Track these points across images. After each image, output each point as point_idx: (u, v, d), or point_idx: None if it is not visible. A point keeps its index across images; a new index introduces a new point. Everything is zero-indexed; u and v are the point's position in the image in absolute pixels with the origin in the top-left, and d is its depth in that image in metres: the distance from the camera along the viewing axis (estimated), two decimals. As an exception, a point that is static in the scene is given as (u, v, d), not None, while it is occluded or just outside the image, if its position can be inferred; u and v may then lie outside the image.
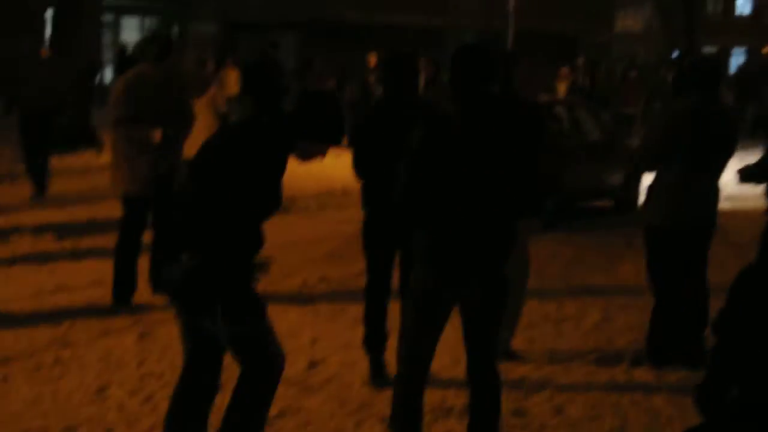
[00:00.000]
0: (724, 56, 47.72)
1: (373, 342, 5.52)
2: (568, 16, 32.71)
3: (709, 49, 45.95)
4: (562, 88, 20.45)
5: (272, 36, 29.91)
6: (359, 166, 5.34)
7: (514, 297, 5.31)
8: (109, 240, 7.34)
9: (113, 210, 7.21)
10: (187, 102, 7.14)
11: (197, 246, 3.78)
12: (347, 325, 6.52)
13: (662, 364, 5.78)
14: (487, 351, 4.17)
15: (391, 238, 5.28)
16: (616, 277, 8.48)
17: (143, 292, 6.82)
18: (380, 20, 28.93)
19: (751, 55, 49.52)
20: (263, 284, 4.01)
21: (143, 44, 6.84)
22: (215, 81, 10.34)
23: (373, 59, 18.36)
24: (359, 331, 5.63)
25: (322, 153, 4.10)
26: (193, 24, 34.87)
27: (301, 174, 13.25)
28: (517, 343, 6.06)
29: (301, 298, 7.34)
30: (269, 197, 3.88)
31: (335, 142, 4.02)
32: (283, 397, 4.84)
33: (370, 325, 5.51)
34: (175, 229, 3.90)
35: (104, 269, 7.13)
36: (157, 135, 6.58)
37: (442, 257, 4.00)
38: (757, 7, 52.77)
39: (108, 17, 34.20)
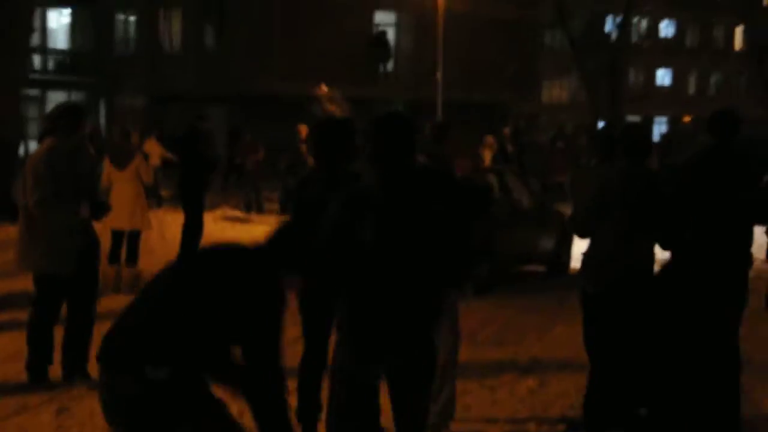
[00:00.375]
0: (647, 124, 49.05)
1: (307, 413, 5.33)
2: (496, 86, 33.24)
3: (632, 118, 47.20)
4: (487, 156, 20.73)
5: (201, 109, 29.92)
6: None
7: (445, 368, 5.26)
8: (23, 314, 7.06)
9: (29, 283, 6.95)
10: (98, 175, 6.96)
11: (166, 358, 3.43)
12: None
13: (599, 431, 5.67)
14: (415, 424, 4.01)
15: (328, 306, 5.14)
16: (551, 340, 8.44)
17: (59, 367, 6.55)
18: (311, 92, 29.04)
19: (673, 123, 51.05)
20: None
21: (54, 116, 6.64)
22: (139, 152, 10.26)
23: (303, 129, 18.42)
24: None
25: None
26: (121, 97, 34.71)
27: (234, 235, 13.23)
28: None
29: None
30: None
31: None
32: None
33: (303, 395, 5.32)
34: (138, 337, 3.49)
35: (19, 344, 6.85)
36: (84, 211, 6.43)
37: (360, 333, 3.87)
38: (676, 78, 54.52)
39: (34, 91, 33.96)
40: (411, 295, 3.82)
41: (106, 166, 10.09)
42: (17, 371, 6.63)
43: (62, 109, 6.65)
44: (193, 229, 11.52)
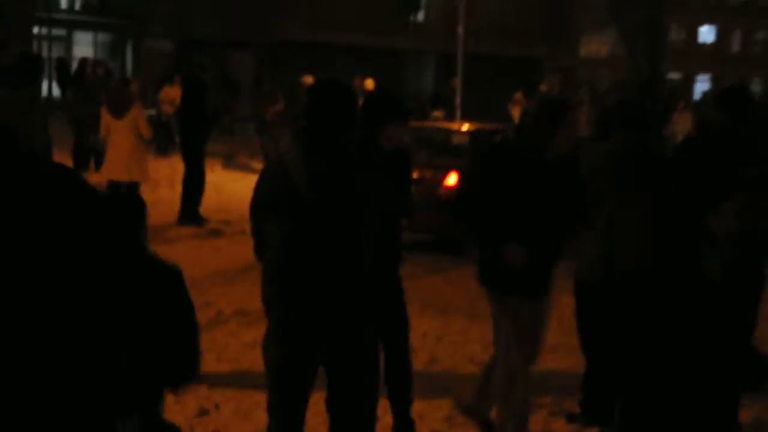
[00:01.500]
0: (688, 83, 48.14)
1: None
2: (530, 39, 32.61)
3: (673, 75, 46.34)
4: (516, 114, 20.23)
5: (227, 55, 29.65)
6: None
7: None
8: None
9: None
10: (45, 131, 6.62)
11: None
12: (255, 362, 6.08)
13: (596, 422, 5.33)
14: (350, 426, 3.73)
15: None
16: (553, 313, 8.09)
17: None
18: (337, 41, 28.65)
19: (715, 81, 49.99)
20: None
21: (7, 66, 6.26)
22: (138, 101, 10.03)
23: (308, 80, 18.13)
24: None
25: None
26: (148, 41, 34.45)
27: (237, 194, 13.14)
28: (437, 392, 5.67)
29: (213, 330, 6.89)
30: None
31: None
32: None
33: None
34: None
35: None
36: None
37: (290, 326, 3.56)
38: (719, 36, 53.37)
39: (59, 31, 33.81)
40: (339, 285, 3.53)
41: (104, 115, 9.86)
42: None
43: (17, 58, 6.27)
44: (193, 180, 11.30)
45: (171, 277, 2.14)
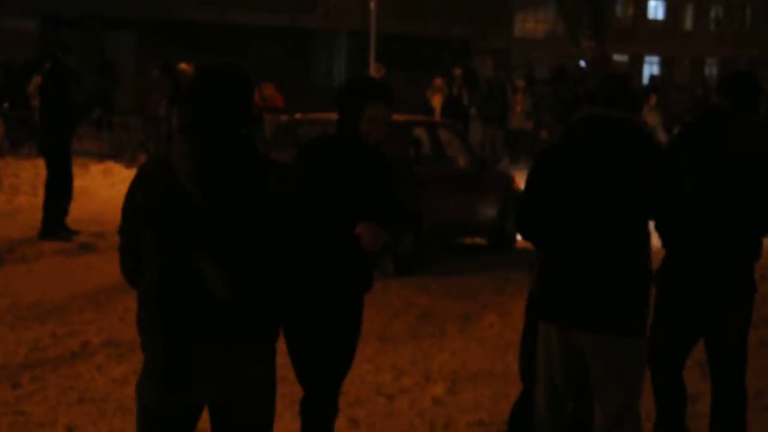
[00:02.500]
0: (635, 65, 49.13)
1: None
2: (456, 18, 32.90)
3: (619, 57, 47.20)
4: (436, 102, 20.39)
5: (104, 35, 29.24)
6: None
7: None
8: None
9: None
10: None
11: None
12: (124, 405, 6.01)
13: None
14: None
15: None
16: (475, 334, 8.19)
17: None
18: (236, 20, 28.52)
19: (665, 64, 51.12)
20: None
21: None
22: None
23: (185, 67, 18.09)
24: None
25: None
26: (6, 20, 33.79)
27: (114, 201, 12.92)
28: (339, 426, 5.63)
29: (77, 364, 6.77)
30: None
31: None
32: None
33: None
34: None
35: None
36: None
37: (171, 360, 3.47)
38: (669, 11, 54.54)
39: None
40: (221, 302, 3.43)
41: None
42: None
43: None
44: (58, 186, 11.08)
45: None
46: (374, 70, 20.26)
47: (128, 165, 17.01)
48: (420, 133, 11.18)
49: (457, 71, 22.14)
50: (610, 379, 4.40)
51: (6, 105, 20.11)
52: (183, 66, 18.18)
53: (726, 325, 5.02)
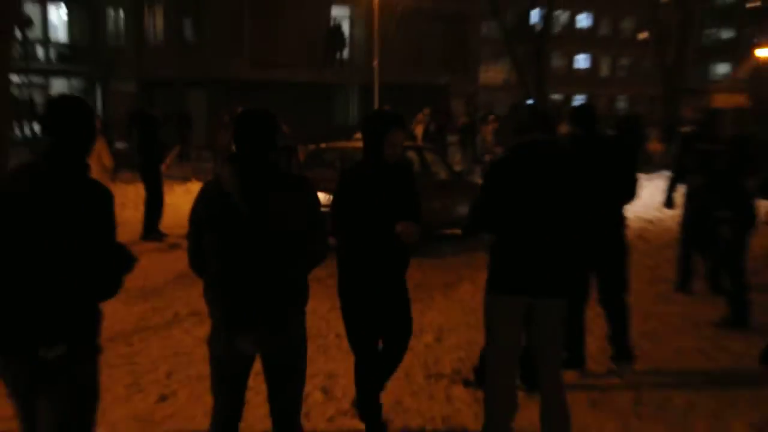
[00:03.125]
0: (567, 102, 48.93)
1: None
2: (438, 70, 32.88)
3: (556, 96, 47.02)
4: (419, 131, 20.40)
5: (184, 92, 29.30)
6: None
7: None
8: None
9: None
10: None
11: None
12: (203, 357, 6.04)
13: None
14: (287, 409, 3.64)
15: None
16: (455, 297, 8.22)
17: None
18: (276, 76, 28.54)
19: (590, 100, 50.83)
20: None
21: None
22: (101, 135, 9.85)
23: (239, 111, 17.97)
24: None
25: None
26: (114, 83, 33.89)
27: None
28: (349, 362, 5.65)
29: (171, 328, 6.83)
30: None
31: None
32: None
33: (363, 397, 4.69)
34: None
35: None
36: None
37: (228, 307, 3.47)
38: (591, 63, 54.34)
39: (38, 79, 33.09)
40: (265, 276, 3.43)
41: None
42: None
43: None
44: (153, 202, 11.16)
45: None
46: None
47: None
48: (412, 154, 11.19)
49: (426, 110, 22.13)
50: (555, 333, 4.23)
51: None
52: (237, 110, 18.15)
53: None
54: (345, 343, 6.35)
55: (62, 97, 3.23)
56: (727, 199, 6.92)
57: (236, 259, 3.39)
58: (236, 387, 3.60)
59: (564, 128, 6.00)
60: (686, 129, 9.57)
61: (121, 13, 33.95)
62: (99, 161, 9.64)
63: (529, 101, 33.91)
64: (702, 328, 6.98)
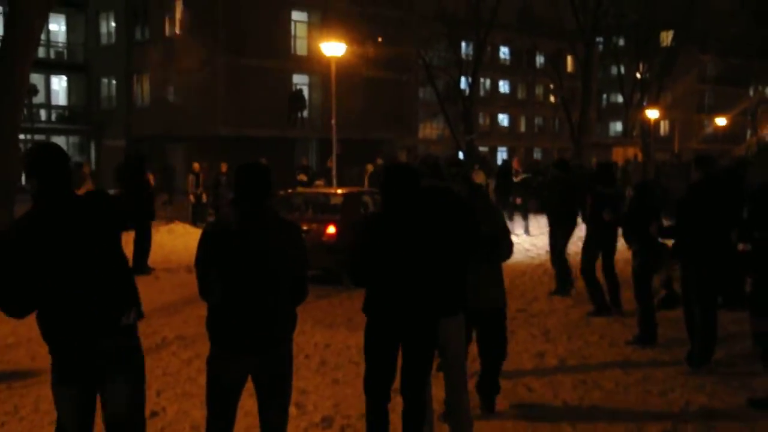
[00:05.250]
0: (492, 153, 49.67)
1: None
2: (384, 127, 33.13)
3: (482, 148, 47.69)
4: (366, 180, 20.48)
5: (167, 148, 28.90)
6: None
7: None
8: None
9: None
10: None
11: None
12: (189, 377, 5.81)
13: None
14: (276, 419, 3.54)
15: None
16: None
17: None
18: (247, 133, 28.37)
19: (510, 152, 51.66)
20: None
21: None
22: (89, 179, 9.73)
23: (223, 166, 17.93)
24: (201, 380, 4.90)
25: None
26: (106, 140, 33.33)
27: (176, 249, 12.65)
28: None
29: (159, 351, 6.55)
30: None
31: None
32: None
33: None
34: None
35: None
36: None
37: (226, 331, 3.39)
38: (511, 121, 55.38)
39: (40, 137, 32.29)
40: (261, 308, 3.38)
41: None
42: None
43: None
44: (141, 240, 10.85)
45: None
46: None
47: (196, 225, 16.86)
48: (367, 198, 11.13)
49: (378, 160, 22.38)
50: (458, 347, 4.20)
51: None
52: (223, 165, 17.97)
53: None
54: (313, 363, 6.20)
55: (36, 147, 3.19)
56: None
57: (240, 291, 3.34)
58: (231, 402, 3.48)
59: (479, 177, 5.98)
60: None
61: (113, 81, 33.55)
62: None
63: (460, 153, 34.43)
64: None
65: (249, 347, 3.36)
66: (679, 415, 5.00)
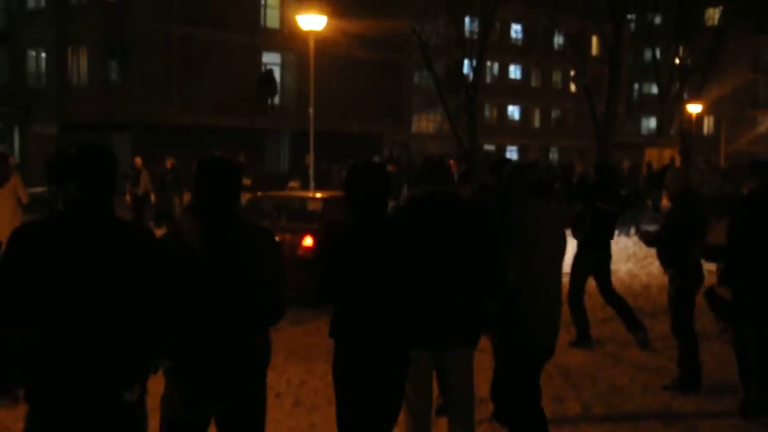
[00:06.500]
0: (500, 152, 49.89)
1: None
2: (371, 119, 33.13)
3: (488, 146, 47.95)
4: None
5: (108, 136, 28.74)
6: None
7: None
8: None
9: None
10: None
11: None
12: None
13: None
14: None
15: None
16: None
17: None
18: (206, 123, 28.27)
19: (522, 151, 51.96)
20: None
21: None
22: (16, 173, 9.70)
23: (168, 162, 17.94)
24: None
25: None
26: (33, 126, 33.08)
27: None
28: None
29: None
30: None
31: None
32: None
33: None
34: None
35: None
36: None
37: (186, 379, 3.34)
38: (523, 114, 55.68)
39: (-48, 120, 32.08)
40: (230, 340, 3.33)
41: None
42: None
43: None
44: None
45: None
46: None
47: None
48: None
49: (373, 159, 22.54)
50: (466, 381, 4.31)
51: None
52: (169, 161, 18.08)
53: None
54: (286, 403, 6.15)
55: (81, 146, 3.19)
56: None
57: (202, 327, 3.28)
58: None
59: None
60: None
61: (43, 54, 33.31)
62: (14, 195, 9.55)
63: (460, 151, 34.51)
64: None
65: (214, 397, 3.33)
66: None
